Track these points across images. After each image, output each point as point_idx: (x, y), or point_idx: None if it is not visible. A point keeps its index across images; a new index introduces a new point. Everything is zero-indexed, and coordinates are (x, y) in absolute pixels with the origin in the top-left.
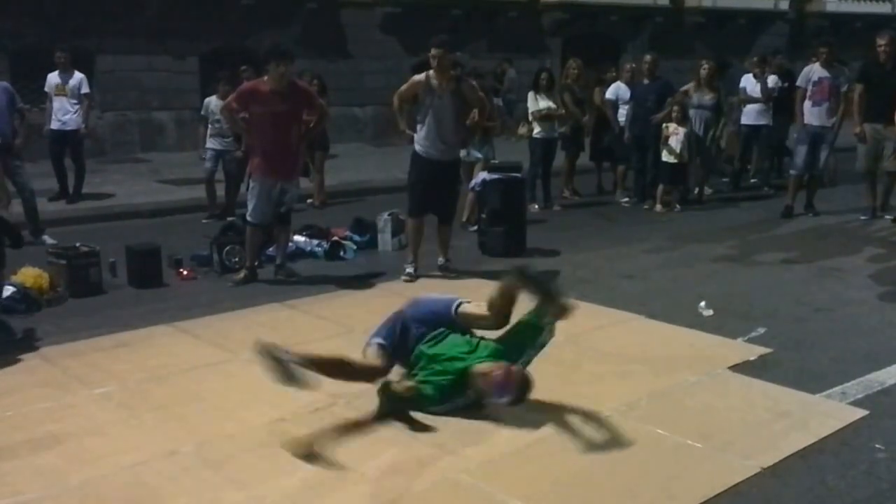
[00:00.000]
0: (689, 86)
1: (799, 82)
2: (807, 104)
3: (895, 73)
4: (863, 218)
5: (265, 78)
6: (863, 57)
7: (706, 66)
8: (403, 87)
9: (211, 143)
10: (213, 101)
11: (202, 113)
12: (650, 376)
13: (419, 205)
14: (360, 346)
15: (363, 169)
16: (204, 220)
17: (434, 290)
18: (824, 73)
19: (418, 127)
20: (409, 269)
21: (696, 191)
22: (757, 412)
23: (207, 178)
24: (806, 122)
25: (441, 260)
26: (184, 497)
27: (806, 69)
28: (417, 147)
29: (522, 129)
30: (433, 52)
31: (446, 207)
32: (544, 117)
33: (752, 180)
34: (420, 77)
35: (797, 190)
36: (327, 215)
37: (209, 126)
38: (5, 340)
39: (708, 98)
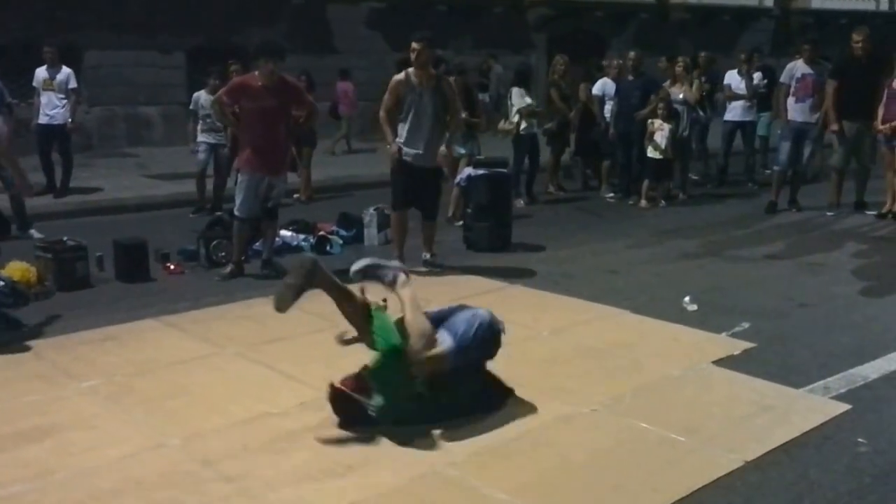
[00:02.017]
0: (666, 83)
1: (782, 79)
2: (790, 100)
3: (871, 70)
4: (829, 214)
5: (256, 73)
6: (840, 54)
7: (681, 62)
8: (387, 96)
9: (204, 138)
10: (202, 96)
11: (191, 107)
12: (635, 371)
13: (401, 199)
14: None
15: (349, 164)
16: (192, 215)
17: (421, 285)
18: (807, 70)
19: (400, 126)
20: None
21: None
22: (740, 406)
23: (200, 172)
24: (790, 118)
25: (426, 255)
26: (170, 490)
27: (789, 66)
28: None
29: (505, 125)
30: (414, 45)
31: (430, 204)
32: (531, 113)
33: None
34: (399, 76)
35: (781, 185)
36: (314, 210)
37: (200, 121)
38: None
39: (680, 94)
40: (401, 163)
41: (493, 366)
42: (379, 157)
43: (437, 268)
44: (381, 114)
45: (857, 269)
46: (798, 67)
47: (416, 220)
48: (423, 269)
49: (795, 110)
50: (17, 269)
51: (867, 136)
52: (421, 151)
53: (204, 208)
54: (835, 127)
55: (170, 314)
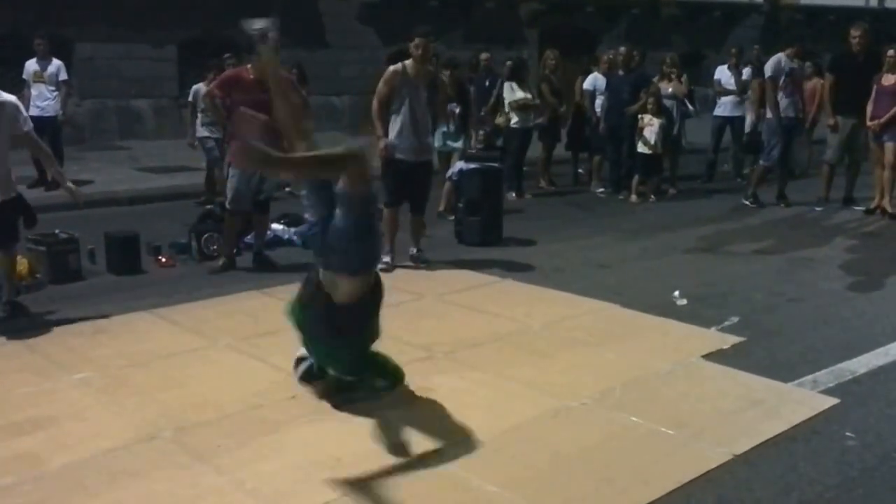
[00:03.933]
0: (655, 78)
1: (772, 73)
2: (779, 95)
3: (868, 65)
4: (817, 209)
5: (248, 66)
6: (836, 49)
7: (668, 59)
8: (381, 86)
9: (208, 132)
10: (202, 89)
11: (190, 99)
12: (624, 365)
13: (395, 196)
14: None
15: None
16: (208, 206)
17: (412, 279)
18: (793, 65)
19: (392, 119)
20: (386, 259)
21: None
22: (729, 400)
23: (214, 166)
24: (781, 114)
25: (413, 250)
26: (163, 482)
27: (777, 60)
28: (389, 152)
29: (499, 119)
30: (417, 41)
31: (420, 198)
32: (521, 107)
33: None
34: (397, 67)
35: (764, 180)
36: None
37: (201, 114)
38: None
39: (669, 89)
40: (391, 160)
41: (484, 358)
42: (370, 151)
43: (424, 263)
44: (375, 104)
45: (845, 265)
46: (784, 62)
47: (407, 214)
48: (411, 263)
49: (786, 106)
50: None
51: (861, 132)
52: (416, 145)
53: (212, 201)
54: (830, 121)
55: (162, 307)
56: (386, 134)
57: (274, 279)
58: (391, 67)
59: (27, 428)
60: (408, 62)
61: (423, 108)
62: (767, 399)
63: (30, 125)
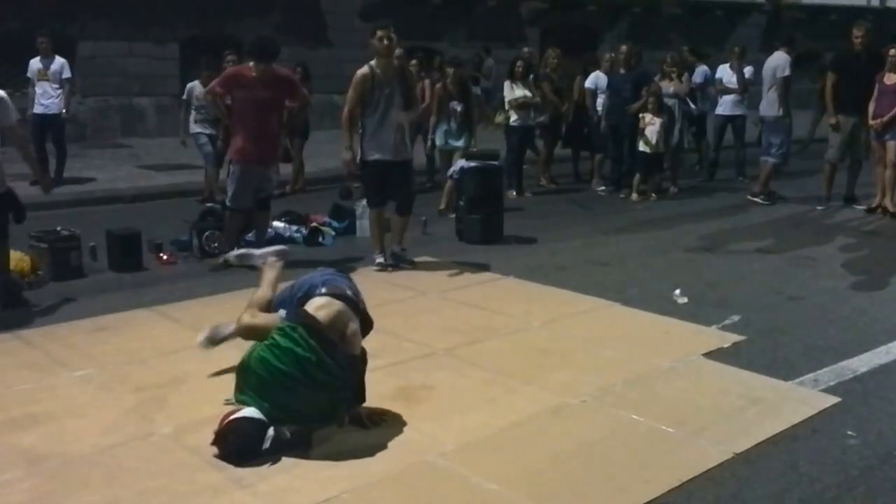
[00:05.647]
0: (656, 77)
1: (787, 72)
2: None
3: (870, 64)
4: (819, 208)
5: (251, 64)
6: (838, 48)
7: (668, 58)
8: (351, 93)
9: (201, 129)
10: (196, 87)
11: (184, 97)
12: (625, 362)
13: (377, 197)
14: None
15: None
16: (209, 204)
17: (410, 277)
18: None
19: (369, 119)
20: (380, 260)
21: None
22: (730, 398)
23: (209, 161)
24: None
25: (395, 248)
26: (162, 478)
27: (787, 59)
28: (366, 154)
29: (499, 118)
30: (380, 33)
31: (406, 197)
32: (520, 105)
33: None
34: (364, 71)
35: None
36: (306, 201)
37: (193, 111)
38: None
39: (670, 88)
40: (368, 161)
41: (485, 355)
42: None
43: (409, 263)
44: (346, 113)
45: (846, 263)
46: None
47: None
48: (391, 261)
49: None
50: (12, 258)
51: (862, 131)
52: (395, 142)
53: (213, 199)
54: (832, 120)
55: (162, 304)
56: (352, 146)
57: None
58: (359, 72)
59: (27, 424)
60: (373, 62)
61: (398, 105)
62: (768, 397)
63: (15, 117)
